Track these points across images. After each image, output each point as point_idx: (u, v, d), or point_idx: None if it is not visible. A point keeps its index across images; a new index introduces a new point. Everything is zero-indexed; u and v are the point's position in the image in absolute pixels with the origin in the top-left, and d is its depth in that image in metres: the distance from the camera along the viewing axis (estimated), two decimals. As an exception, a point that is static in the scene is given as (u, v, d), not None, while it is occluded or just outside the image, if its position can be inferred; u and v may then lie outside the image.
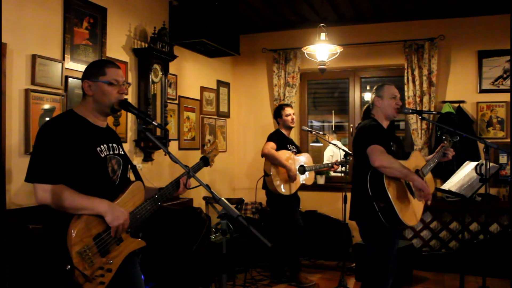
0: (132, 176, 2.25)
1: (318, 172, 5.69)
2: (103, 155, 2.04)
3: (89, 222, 1.90)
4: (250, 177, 4.77)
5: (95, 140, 2.04)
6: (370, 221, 2.81)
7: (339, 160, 4.60)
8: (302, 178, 4.53)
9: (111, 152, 2.09)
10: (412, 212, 2.80)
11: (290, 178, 4.37)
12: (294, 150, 4.59)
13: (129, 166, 2.22)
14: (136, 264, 2.19)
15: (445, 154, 3.16)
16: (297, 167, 4.49)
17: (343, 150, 4.57)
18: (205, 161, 2.63)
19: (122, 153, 2.18)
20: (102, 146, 2.05)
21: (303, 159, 4.60)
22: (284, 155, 4.42)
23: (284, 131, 4.62)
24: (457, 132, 3.16)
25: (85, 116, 2.06)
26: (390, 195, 2.66)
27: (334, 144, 4.96)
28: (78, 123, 2.02)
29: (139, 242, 2.11)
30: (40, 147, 1.94)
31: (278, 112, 4.65)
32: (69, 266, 1.80)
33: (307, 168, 4.55)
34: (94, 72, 2.07)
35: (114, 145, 2.13)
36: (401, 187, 2.79)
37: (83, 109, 2.08)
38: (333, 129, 6.56)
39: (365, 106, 3.14)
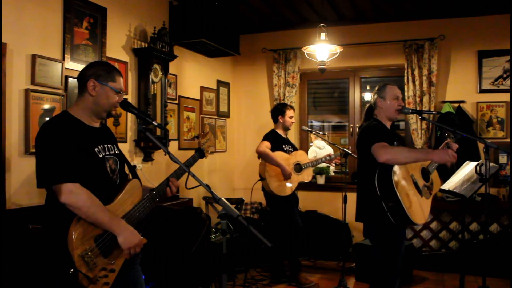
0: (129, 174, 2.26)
1: (318, 172, 5.69)
2: (101, 156, 2.04)
3: (90, 224, 1.90)
4: (250, 177, 4.77)
5: (92, 141, 2.04)
6: (379, 222, 2.78)
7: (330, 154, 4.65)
8: (299, 177, 4.52)
9: (107, 153, 2.09)
10: (421, 210, 2.80)
11: (285, 177, 4.36)
12: (291, 149, 4.57)
13: (125, 164, 2.22)
14: (136, 264, 2.19)
15: (449, 147, 3.14)
16: (293, 165, 4.48)
17: (343, 150, 4.55)
18: (201, 153, 2.60)
19: (118, 152, 2.19)
20: (99, 147, 2.05)
21: (299, 157, 4.59)
22: (281, 157, 4.41)
23: (280, 132, 4.59)
24: (457, 132, 3.16)
25: (79, 117, 2.05)
26: (398, 194, 2.65)
27: (333, 144, 4.95)
28: (75, 125, 2.02)
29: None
30: (48, 148, 1.90)
31: (281, 110, 4.57)
32: (72, 270, 1.80)
33: (303, 166, 4.55)
34: (104, 75, 2.07)
35: (109, 145, 2.13)
36: (409, 186, 2.78)
37: (78, 109, 2.07)
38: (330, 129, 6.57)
39: (367, 106, 3.12)
